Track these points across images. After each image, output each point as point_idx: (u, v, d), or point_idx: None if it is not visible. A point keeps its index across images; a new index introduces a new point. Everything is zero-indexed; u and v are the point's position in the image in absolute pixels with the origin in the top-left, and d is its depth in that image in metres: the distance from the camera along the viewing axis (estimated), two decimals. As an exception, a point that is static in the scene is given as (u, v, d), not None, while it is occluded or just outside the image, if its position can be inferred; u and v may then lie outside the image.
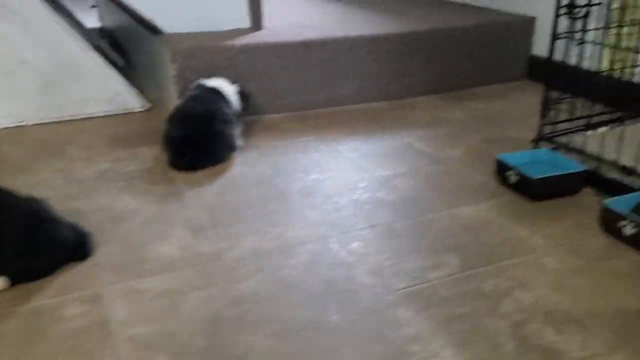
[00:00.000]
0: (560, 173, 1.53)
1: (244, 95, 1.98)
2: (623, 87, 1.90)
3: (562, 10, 1.63)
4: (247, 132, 1.98)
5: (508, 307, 1.12)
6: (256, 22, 2.28)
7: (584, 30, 1.67)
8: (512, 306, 1.13)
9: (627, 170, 1.52)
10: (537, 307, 1.12)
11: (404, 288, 1.18)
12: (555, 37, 1.64)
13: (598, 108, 1.86)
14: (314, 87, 2.23)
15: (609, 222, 1.36)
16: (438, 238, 1.36)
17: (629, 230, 1.31)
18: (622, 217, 1.32)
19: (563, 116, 1.79)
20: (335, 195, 1.56)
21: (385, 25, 2.40)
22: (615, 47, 1.99)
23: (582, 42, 1.69)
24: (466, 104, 2.31)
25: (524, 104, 2.29)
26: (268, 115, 2.18)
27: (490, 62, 2.52)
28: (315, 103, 2.25)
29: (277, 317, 1.10)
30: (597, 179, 1.57)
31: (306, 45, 2.17)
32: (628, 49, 1.98)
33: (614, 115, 1.89)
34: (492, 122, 2.10)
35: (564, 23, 1.65)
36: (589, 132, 1.81)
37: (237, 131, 1.86)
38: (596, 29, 1.71)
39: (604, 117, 1.88)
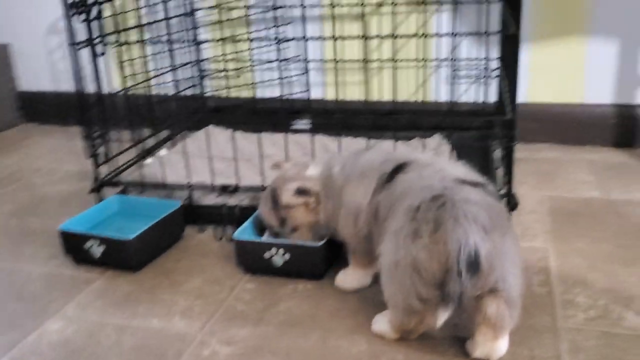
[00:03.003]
0: (158, 219, 1.10)
1: None
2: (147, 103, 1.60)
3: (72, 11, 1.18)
4: None
5: None
6: None
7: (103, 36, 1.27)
8: None
9: (225, 188, 1.22)
10: None
11: None
12: (75, 44, 1.18)
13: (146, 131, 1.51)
14: None
15: (252, 256, 1.02)
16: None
17: (278, 259, 1.00)
18: (267, 246, 1.00)
19: (115, 150, 1.35)
20: None
21: None
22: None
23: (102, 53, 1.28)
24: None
25: (45, 151, 1.75)
26: None
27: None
28: None
29: None
30: (193, 211, 1.22)
31: None
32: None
33: (163, 135, 1.58)
34: (13, 187, 1.50)
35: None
36: (149, 160, 1.44)
37: None
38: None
39: (155, 140, 1.54)
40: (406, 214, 0.79)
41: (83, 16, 1.20)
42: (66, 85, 1.90)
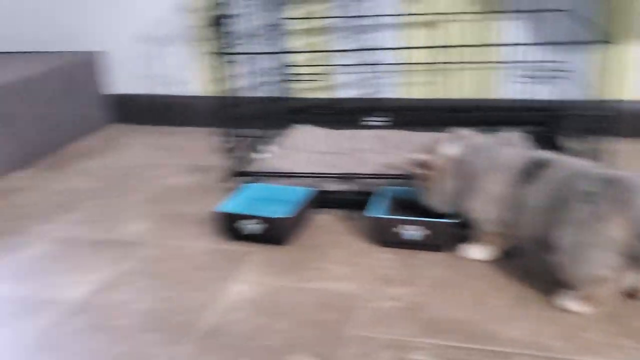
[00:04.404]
0: (305, 202, 1.30)
1: None
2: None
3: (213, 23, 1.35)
4: None
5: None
6: None
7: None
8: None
9: (349, 177, 1.40)
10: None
11: None
12: (221, 53, 1.36)
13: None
14: None
15: (383, 231, 1.21)
16: None
17: (408, 233, 1.19)
18: (397, 222, 1.19)
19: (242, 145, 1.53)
20: None
21: None
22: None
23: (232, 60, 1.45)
24: (79, 167, 1.78)
25: (146, 149, 1.92)
26: None
27: (71, 112, 2.03)
28: None
29: None
30: (337, 199, 1.39)
31: None
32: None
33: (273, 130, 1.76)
34: (136, 180, 1.66)
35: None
36: (265, 154, 1.62)
37: None
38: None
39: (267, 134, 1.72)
40: (582, 201, 0.95)
41: (221, 27, 1.38)
42: (159, 88, 2.10)
